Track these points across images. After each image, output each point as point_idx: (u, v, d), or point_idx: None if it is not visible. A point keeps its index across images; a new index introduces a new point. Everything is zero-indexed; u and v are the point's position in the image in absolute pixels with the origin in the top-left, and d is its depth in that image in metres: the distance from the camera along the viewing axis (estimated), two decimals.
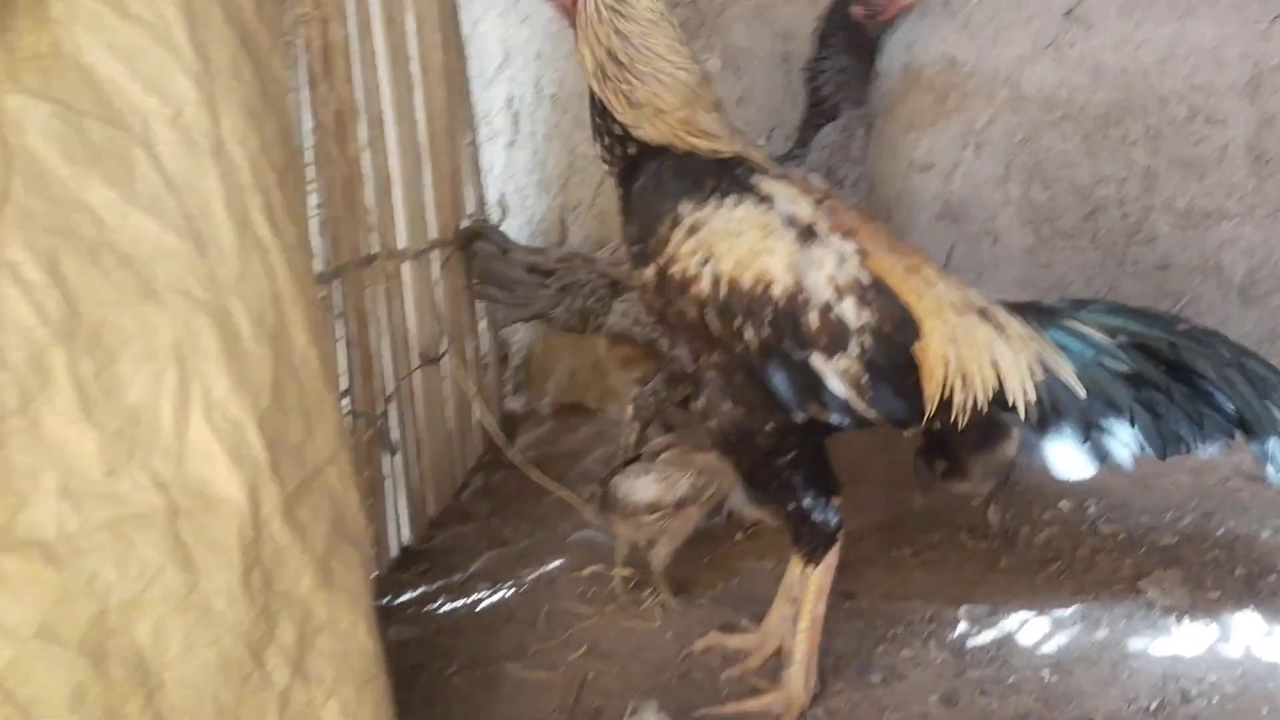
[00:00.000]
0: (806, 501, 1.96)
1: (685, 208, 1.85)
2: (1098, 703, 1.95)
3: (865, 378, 1.81)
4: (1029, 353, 1.81)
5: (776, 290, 1.80)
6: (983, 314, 1.84)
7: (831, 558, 1.96)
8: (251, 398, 1.50)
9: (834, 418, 1.86)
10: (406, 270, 2.57)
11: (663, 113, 1.88)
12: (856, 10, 2.75)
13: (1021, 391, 1.79)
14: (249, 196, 1.58)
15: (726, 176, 1.87)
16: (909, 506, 2.75)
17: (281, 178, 1.68)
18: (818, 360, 1.81)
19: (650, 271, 1.90)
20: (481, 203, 3.07)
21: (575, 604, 2.37)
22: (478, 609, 2.40)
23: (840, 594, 2.23)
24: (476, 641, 2.23)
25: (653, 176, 1.91)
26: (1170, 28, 2.69)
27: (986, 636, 2.18)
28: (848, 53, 2.76)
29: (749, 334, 1.83)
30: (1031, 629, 2.20)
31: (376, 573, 2.49)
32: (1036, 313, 1.87)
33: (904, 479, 2.92)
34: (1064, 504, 2.72)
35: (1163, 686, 1.99)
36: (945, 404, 1.81)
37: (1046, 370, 1.79)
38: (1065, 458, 1.80)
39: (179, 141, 1.49)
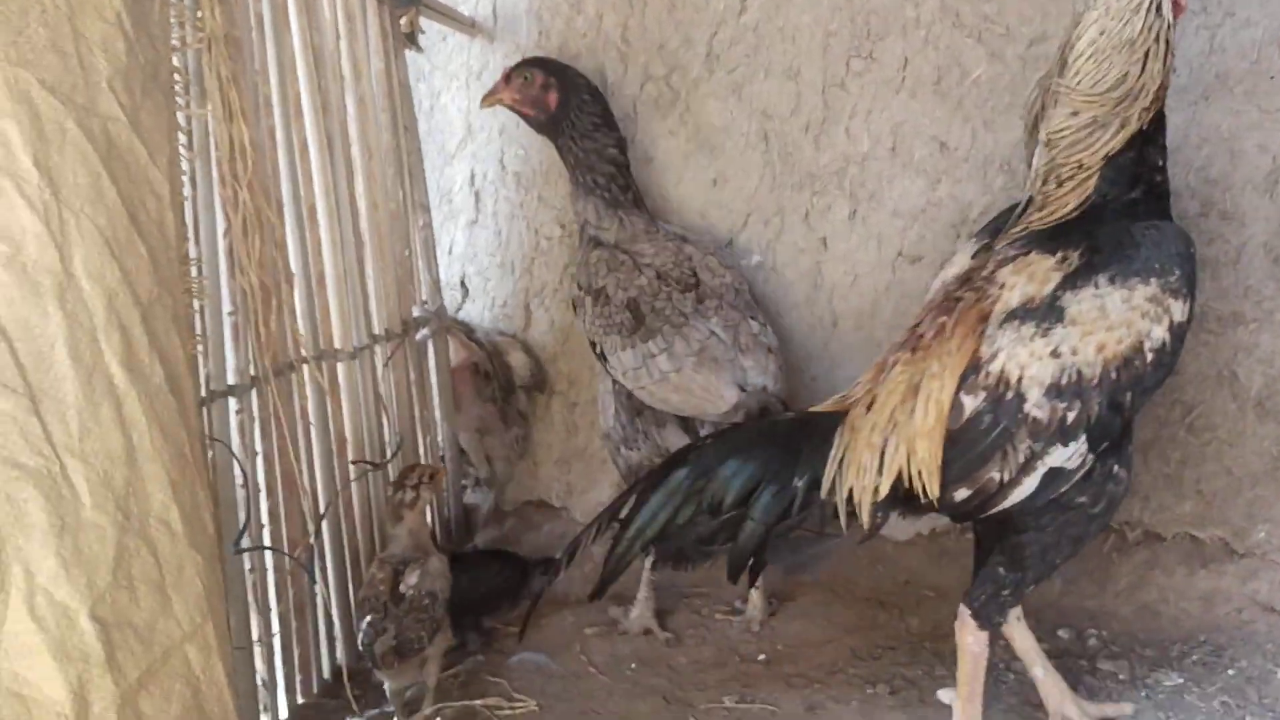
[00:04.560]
0: None
1: None
2: None
3: None
4: None
5: None
6: None
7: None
8: (86, 578, 1.32)
9: None
10: (343, 371, 2.38)
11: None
12: None
13: None
14: (103, 339, 1.41)
15: None
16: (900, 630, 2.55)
17: (149, 310, 1.50)
18: None
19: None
20: (436, 287, 2.87)
21: None
22: None
23: None
24: None
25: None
26: (1181, 115, 2.46)
27: None
28: None
29: None
30: None
31: (301, 701, 2.31)
32: None
33: (895, 599, 2.72)
34: (1063, 633, 2.49)
35: None
36: None
37: None
38: None
39: (15, 283, 1.32)
